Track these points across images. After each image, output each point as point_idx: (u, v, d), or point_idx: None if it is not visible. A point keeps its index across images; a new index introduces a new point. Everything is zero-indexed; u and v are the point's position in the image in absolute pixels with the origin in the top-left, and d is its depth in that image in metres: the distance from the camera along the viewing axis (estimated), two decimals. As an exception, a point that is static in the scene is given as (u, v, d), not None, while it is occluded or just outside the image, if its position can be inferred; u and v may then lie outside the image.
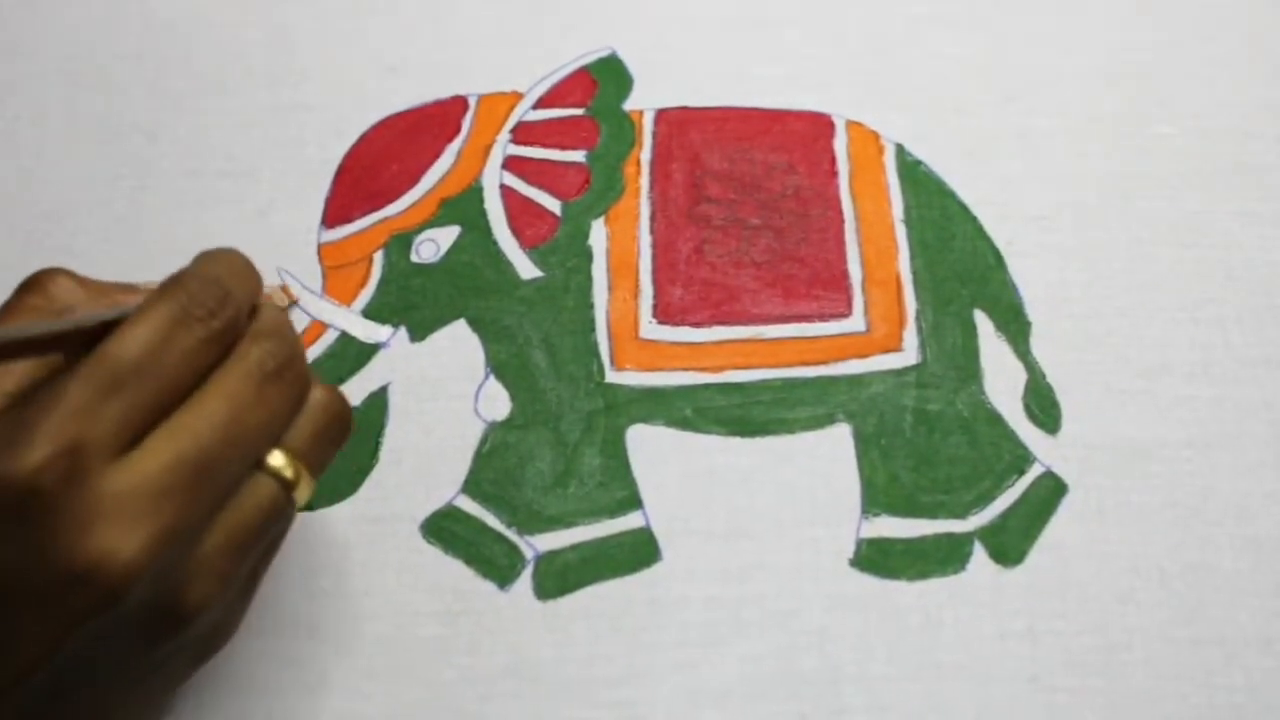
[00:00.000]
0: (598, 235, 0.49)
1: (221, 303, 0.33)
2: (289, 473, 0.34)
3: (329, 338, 0.47)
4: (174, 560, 0.32)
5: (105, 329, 0.33)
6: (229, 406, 0.32)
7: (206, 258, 0.35)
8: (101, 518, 0.30)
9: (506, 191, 0.50)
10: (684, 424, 0.45)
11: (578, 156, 0.51)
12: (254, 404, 0.33)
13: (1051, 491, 0.44)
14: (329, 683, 0.42)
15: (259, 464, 0.34)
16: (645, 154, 0.51)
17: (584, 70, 0.53)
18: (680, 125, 0.51)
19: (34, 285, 0.36)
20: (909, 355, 0.46)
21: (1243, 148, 0.51)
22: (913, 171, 0.50)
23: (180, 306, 0.33)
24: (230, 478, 0.33)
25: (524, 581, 0.43)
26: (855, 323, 0.47)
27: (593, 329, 0.47)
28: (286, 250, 0.49)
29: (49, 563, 0.30)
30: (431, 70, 0.53)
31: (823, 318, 0.47)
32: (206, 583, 0.33)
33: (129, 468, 0.31)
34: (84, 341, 0.33)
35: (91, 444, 0.30)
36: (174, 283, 0.33)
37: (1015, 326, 0.47)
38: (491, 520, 0.44)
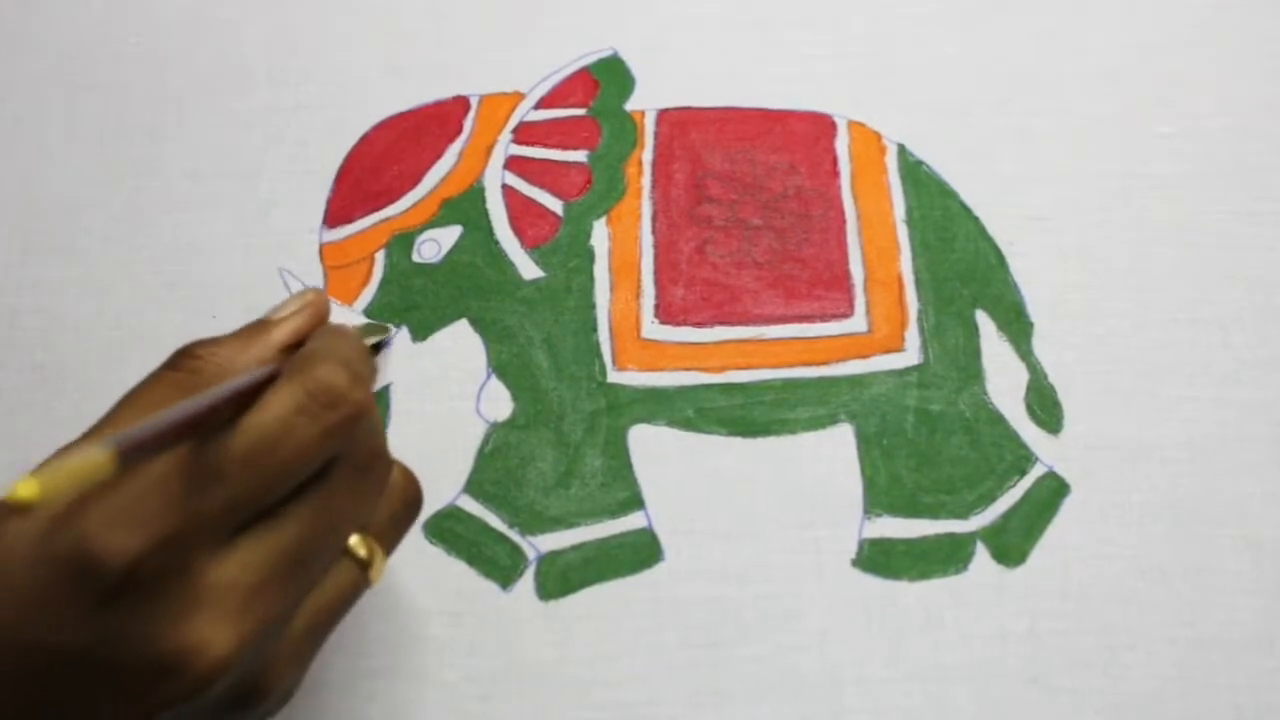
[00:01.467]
0: (599, 235, 0.49)
1: (345, 394, 0.32)
2: (363, 551, 0.34)
3: (330, 338, 0.47)
4: (262, 647, 0.31)
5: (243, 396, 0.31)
6: (326, 498, 0.32)
7: (334, 342, 0.34)
8: (197, 609, 0.29)
9: (508, 191, 0.50)
10: (686, 424, 0.45)
11: (579, 157, 0.51)
12: (348, 494, 0.33)
13: (1053, 492, 0.44)
14: (331, 682, 0.42)
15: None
16: (647, 154, 0.51)
17: (586, 70, 0.53)
18: (682, 125, 0.51)
19: (174, 362, 0.35)
20: (911, 355, 0.46)
21: (1243, 148, 0.51)
22: (914, 172, 0.50)
23: (307, 395, 0.31)
24: (322, 568, 0.33)
25: (526, 582, 0.43)
26: (857, 323, 0.47)
27: (594, 329, 0.47)
28: (287, 250, 0.49)
29: (140, 652, 0.29)
30: (433, 70, 0.53)
31: (824, 318, 0.47)
32: (287, 665, 0.33)
33: (230, 559, 0.30)
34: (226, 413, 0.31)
35: (193, 535, 0.29)
36: (299, 372, 0.32)
37: (1017, 327, 0.47)
38: (494, 520, 0.44)
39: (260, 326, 0.37)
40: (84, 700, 0.30)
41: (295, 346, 0.35)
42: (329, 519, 0.32)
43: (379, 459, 0.34)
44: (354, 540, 0.34)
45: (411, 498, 0.36)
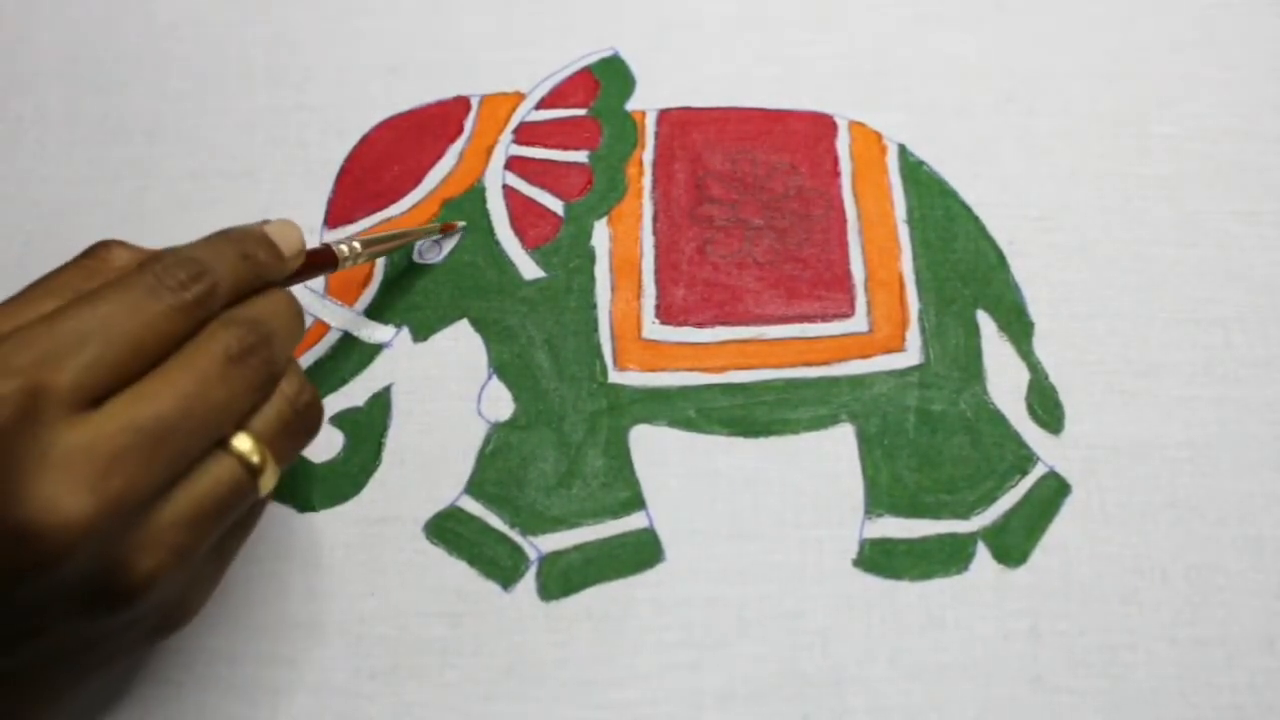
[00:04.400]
0: (600, 236, 0.49)
1: (195, 278, 0.34)
2: (255, 457, 0.34)
3: (331, 338, 0.47)
4: (122, 529, 0.31)
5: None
6: (189, 380, 0.33)
7: (198, 242, 0.36)
8: (50, 469, 0.30)
9: (509, 192, 0.50)
10: (687, 424, 0.45)
11: (580, 157, 0.51)
12: (216, 381, 0.33)
13: (1054, 492, 0.44)
14: (332, 683, 0.42)
15: (224, 445, 0.34)
16: (648, 154, 0.51)
17: (586, 70, 0.53)
18: (682, 126, 0.51)
19: (90, 250, 0.36)
20: (912, 355, 0.46)
21: (1243, 148, 0.51)
22: (915, 171, 0.50)
23: (154, 276, 0.33)
24: (187, 452, 0.33)
25: (527, 582, 0.43)
26: (858, 323, 0.47)
27: (595, 329, 0.47)
28: (288, 251, 0.49)
29: None
30: (433, 70, 0.53)
31: (825, 318, 0.47)
32: (155, 556, 0.32)
33: (85, 425, 0.31)
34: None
35: (53, 390, 0.30)
36: (156, 258, 0.34)
37: (1018, 326, 0.47)
38: (495, 521, 0.44)
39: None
40: None
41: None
42: (191, 400, 0.32)
43: (256, 355, 0.35)
44: (246, 444, 0.34)
45: (303, 404, 0.37)
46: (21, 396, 0.30)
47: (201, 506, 0.33)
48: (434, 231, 0.48)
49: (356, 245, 0.43)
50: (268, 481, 0.35)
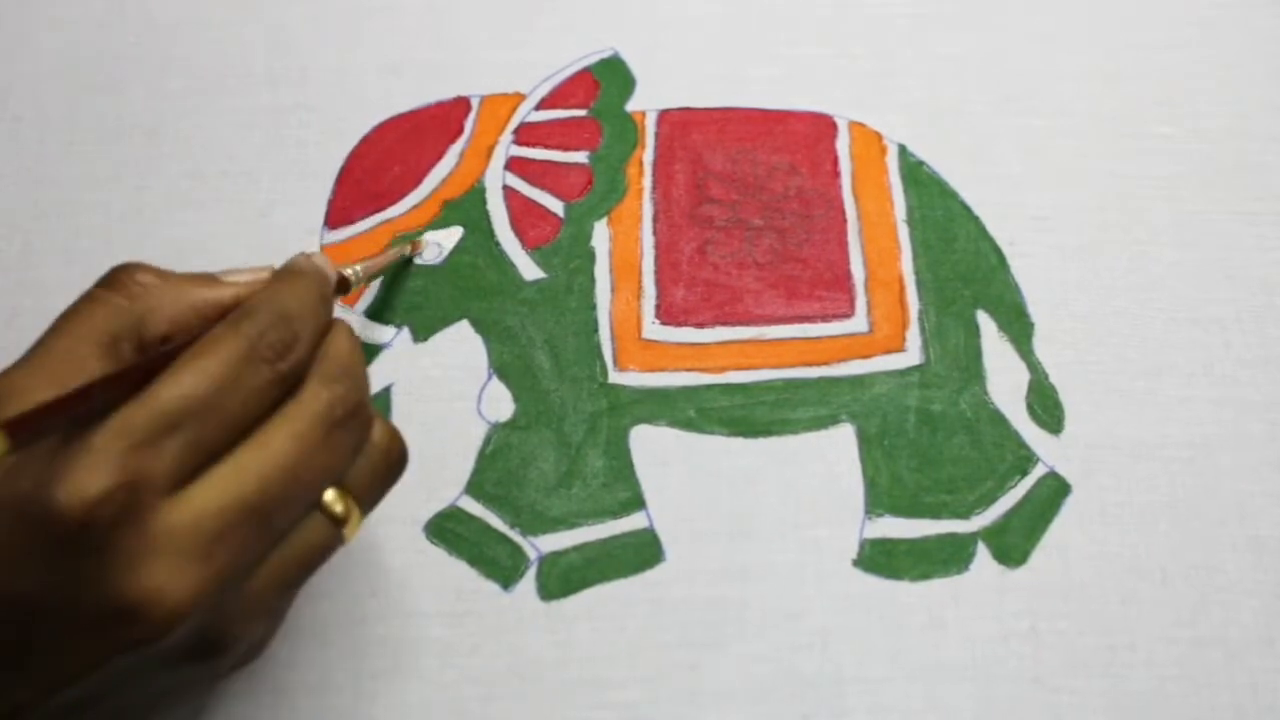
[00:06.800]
0: (600, 236, 0.49)
1: (290, 345, 0.32)
2: (339, 508, 0.34)
3: (331, 339, 0.47)
4: (223, 598, 0.31)
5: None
6: (295, 450, 0.32)
7: (279, 288, 0.34)
8: (154, 555, 0.29)
9: (509, 193, 0.50)
10: (687, 425, 0.45)
11: (580, 157, 0.51)
12: (320, 449, 0.32)
13: (1055, 492, 0.44)
14: (332, 683, 0.42)
15: (316, 502, 0.33)
16: (648, 155, 0.51)
17: (586, 71, 0.53)
18: (682, 126, 0.51)
19: (114, 282, 0.34)
20: (912, 356, 0.46)
21: (1243, 148, 0.51)
22: (915, 172, 0.50)
23: (249, 343, 0.32)
24: (289, 520, 0.32)
25: (527, 582, 0.43)
26: (858, 323, 0.47)
27: (595, 330, 0.47)
28: (287, 251, 0.48)
29: (96, 596, 0.29)
30: (434, 71, 0.53)
31: (825, 318, 0.47)
32: (250, 620, 0.32)
33: (186, 504, 0.30)
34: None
35: (151, 479, 0.29)
36: (244, 316, 0.32)
37: (1018, 327, 0.47)
38: (495, 521, 0.44)
39: (209, 277, 0.36)
40: (42, 645, 0.30)
41: None
42: (296, 470, 0.32)
43: (357, 416, 0.34)
44: (330, 496, 0.33)
45: (395, 457, 0.36)
46: (123, 491, 0.29)
47: (294, 568, 0.33)
48: (405, 250, 0.47)
49: (358, 269, 0.42)
50: (352, 531, 0.34)
